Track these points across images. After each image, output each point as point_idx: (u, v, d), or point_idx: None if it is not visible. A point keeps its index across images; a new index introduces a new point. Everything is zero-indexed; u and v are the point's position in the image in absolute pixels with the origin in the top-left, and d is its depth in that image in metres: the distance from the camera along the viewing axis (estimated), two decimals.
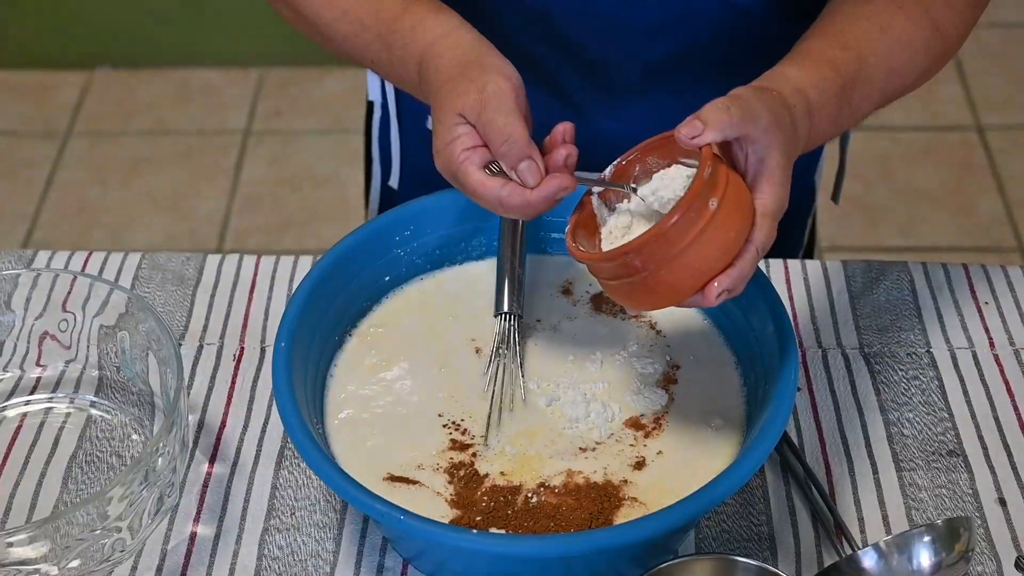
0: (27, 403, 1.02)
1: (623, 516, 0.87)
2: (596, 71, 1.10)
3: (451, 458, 0.90)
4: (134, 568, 0.91)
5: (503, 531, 0.85)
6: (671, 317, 1.00)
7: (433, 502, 0.87)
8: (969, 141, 2.57)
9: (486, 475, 0.89)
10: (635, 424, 0.93)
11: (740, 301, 0.94)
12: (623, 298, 0.82)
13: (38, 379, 1.03)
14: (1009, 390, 1.03)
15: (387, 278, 1.01)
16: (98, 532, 0.86)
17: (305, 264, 1.14)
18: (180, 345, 1.06)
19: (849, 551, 0.89)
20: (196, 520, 0.94)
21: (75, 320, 1.00)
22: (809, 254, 1.34)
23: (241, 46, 2.77)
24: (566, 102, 1.13)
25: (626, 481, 0.89)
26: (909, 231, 2.40)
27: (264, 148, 2.63)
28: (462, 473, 0.89)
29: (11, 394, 1.02)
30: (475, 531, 0.82)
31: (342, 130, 2.63)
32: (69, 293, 1.00)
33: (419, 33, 0.91)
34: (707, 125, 0.77)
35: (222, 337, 1.08)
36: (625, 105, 1.11)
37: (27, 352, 1.02)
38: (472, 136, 0.85)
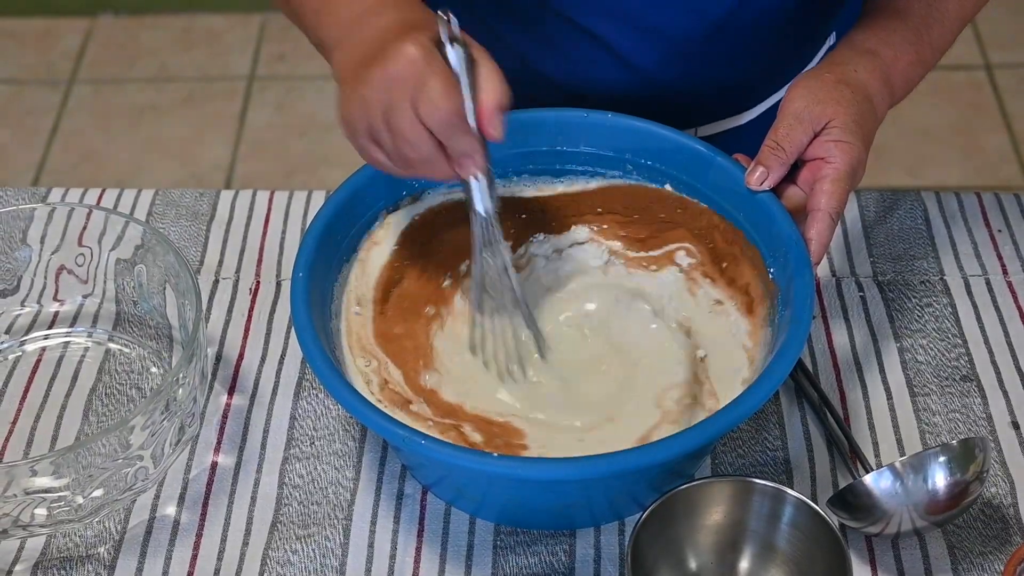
0: (46, 337, 1.02)
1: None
2: (656, 35, 1.07)
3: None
4: (157, 496, 0.92)
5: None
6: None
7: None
8: (977, 80, 2.56)
9: None
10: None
11: (759, 228, 0.94)
12: None
13: (56, 313, 1.03)
14: (1022, 316, 1.03)
15: None
16: (120, 461, 0.86)
17: (318, 199, 1.14)
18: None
19: (864, 473, 0.89)
20: (217, 450, 0.94)
21: (91, 254, 1.01)
22: None
23: None
24: (624, 64, 1.10)
25: None
26: (917, 171, 2.39)
27: (269, 93, 2.62)
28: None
29: (30, 328, 1.02)
30: (494, 454, 0.83)
31: None
32: (85, 227, 1.00)
33: None
34: (770, 170, 0.92)
35: (237, 271, 1.08)
36: (685, 65, 1.08)
37: (44, 287, 1.02)
38: None
